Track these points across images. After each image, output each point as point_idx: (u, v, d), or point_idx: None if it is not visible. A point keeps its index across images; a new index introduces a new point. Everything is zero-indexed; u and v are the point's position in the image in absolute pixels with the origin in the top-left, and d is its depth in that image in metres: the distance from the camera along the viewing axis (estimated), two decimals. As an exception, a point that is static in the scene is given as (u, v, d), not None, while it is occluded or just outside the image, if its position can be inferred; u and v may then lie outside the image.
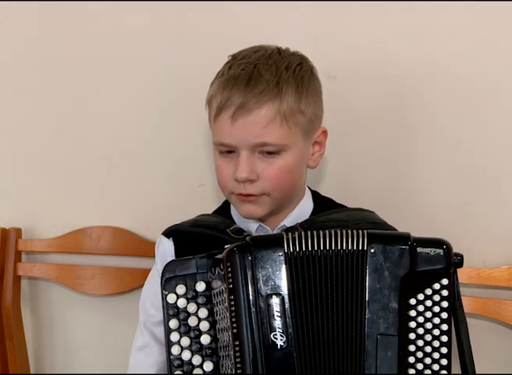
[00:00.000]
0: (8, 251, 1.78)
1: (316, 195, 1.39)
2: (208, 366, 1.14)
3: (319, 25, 1.59)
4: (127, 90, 1.74)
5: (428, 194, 1.59)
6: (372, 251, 1.10)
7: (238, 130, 1.20)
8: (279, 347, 1.08)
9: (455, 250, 1.13)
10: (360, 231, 1.12)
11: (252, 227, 1.31)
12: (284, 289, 1.09)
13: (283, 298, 1.08)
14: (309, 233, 1.12)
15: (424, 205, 1.60)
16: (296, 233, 1.12)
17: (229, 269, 1.09)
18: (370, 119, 1.59)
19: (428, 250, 1.11)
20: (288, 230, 1.25)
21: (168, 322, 1.16)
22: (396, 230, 1.29)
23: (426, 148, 1.58)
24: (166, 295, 1.17)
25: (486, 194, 1.56)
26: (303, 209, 1.33)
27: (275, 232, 1.30)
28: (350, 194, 1.55)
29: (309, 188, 1.39)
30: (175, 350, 1.15)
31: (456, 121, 1.55)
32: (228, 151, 1.24)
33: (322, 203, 1.37)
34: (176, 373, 1.16)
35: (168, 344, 1.16)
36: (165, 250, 1.33)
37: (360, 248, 1.11)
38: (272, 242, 1.11)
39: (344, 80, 1.59)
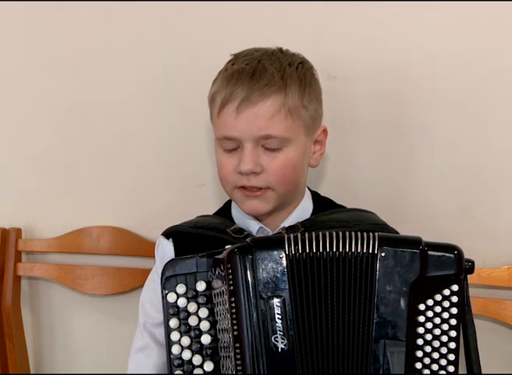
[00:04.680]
0: (8, 251, 1.78)
1: (316, 196, 1.39)
2: (209, 365, 1.13)
3: (319, 25, 1.59)
4: (127, 90, 1.73)
5: (428, 194, 1.59)
6: (383, 254, 1.09)
7: (243, 122, 1.20)
8: (280, 349, 1.07)
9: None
10: (371, 234, 1.11)
11: (253, 229, 1.31)
12: (285, 291, 1.08)
13: (284, 300, 1.07)
14: (313, 234, 1.11)
15: (424, 205, 1.60)
16: (299, 235, 1.11)
17: (230, 271, 1.09)
18: (370, 119, 1.59)
19: (439, 255, 1.10)
20: (289, 229, 1.26)
21: (168, 321, 1.15)
22: (397, 231, 1.29)
23: (426, 148, 1.58)
24: (166, 294, 1.16)
25: (486, 194, 1.56)
26: (303, 210, 1.33)
27: (275, 233, 1.30)
28: (351, 195, 1.55)
29: (309, 189, 1.39)
30: (175, 349, 1.14)
31: (456, 121, 1.55)
32: (231, 149, 1.24)
33: (322, 204, 1.37)
34: (177, 372, 1.15)
35: (169, 343, 1.15)
36: (165, 251, 1.33)
37: (371, 251, 1.10)
38: (273, 243, 1.10)
39: (344, 80, 1.59)
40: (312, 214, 1.33)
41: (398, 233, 1.29)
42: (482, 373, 1.15)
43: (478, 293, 1.53)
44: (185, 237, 1.32)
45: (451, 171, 1.57)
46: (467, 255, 1.13)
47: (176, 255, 1.30)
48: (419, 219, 1.58)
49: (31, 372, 1.85)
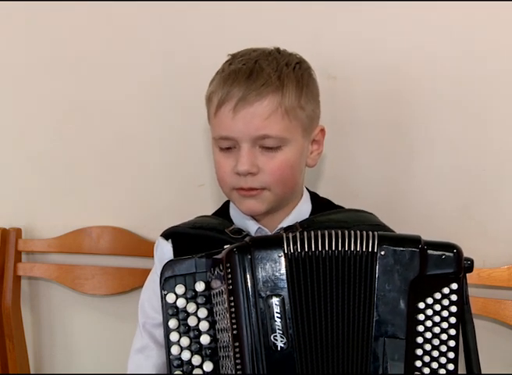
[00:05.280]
0: (8, 251, 1.78)
1: (314, 196, 1.39)
2: (208, 366, 1.13)
3: (319, 25, 1.59)
4: (127, 90, 1.74)
5: (428, 194, 1.59)
6: (382, 253, 1.09)
7: (239, 122, 1.20)
8: (279, 348, 1.07)
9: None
10: (370, 233, 1.11)
11: (251, 229, 1.31)
12: (284, 290, 1.07)
13: (283, 299, 1.07)
14: (312, 233, 1.11)
15: (424, 205, 1.60)
16: (298, 233, 1.11)
17: (229, 270, 1.08)
18: (369, 119, 1.59)
19: (438, 253, 1.10)
20: (287, 229, 1.25)
21: (167, 322, 1.15)
22: (396, 232, 1.28)
23: (426, 148, 1.58)
24: (165, 295, 1.16)
25: (486, 194, 1.56)
26: (301, 211, 1.33)
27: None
28: (350, 195, 1.55)
29: (307, 189, 1.39)
30: (174, 350, 1.14)
31: (455, 121, 1.55)
32: (228, 147, 1.24)
33: (320, 204, 1.37)
34: (176, 373, 1.14)
35: (168, 344, 1.15)
36: (164, 252, 1.33)
37: (370, 249, 1.10)
38: (272, 242, 1.10)
39: (344, 80, 1.59)
40: (311, 215, 1.33)
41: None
42: (482, 373, 1.15)
43: (478, 293, 1.53)
44: (184, 238, 1.32)
45: (451, 171, 1.57)
46: (467, 255, 1.13)
47: (174, 256, 1.30)
48: (419, 219, 1.58)
49: (31, 372, 1.85)
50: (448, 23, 1.53)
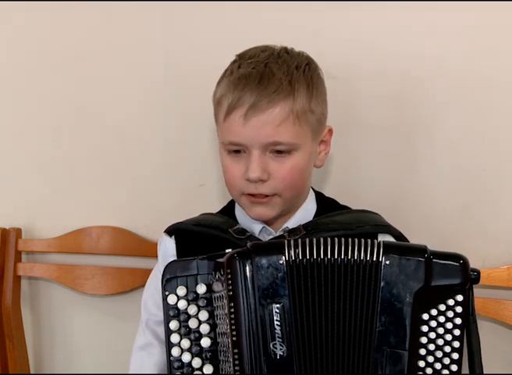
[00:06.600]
0: (8, 251, 1.78)
1: (320, 196, 1.38)
2: (208, 369, 1.13)
3: (319, 25, 1.59)
4: (127, 90, 1.73)
5: (429, 194, 1.60)
6: (387, 262, 1.08)
7: (250, 129, 1.19)
8: (278, 356, 1.06)
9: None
10: (376, 241, 1.10)
11: (256, 229, 1.31)
12: (285, 297, 1.06)
13: (284, 306, 1.06)
14: (314, 239, 1.10)
15: (424, 205, 1.60)
16: (299, 240, 1.10)
17: (229, 276, 1.08)
18: (369, 119, 1.59)
19: (444, 264, 1.08)
20: (291, 231, 1.25)
21: (168, 323, 1.15)
22: (401, 232, 1.28)
23: (427, 148, 1.58)
24: (167, 296, 1.16)
25: (486, 194, 1.56)
26: (306, 211, 1.33)
27: (278, 234, 1.29)
28: (351, 195, 1.55)
29: (313, 189, 1.38)
30: (175, 352, 1.14)
31: (456, 121, 1.55)
32: (236, 150, 1.23)
33: (326, 204, 1.36)
34: (176, 374, 1.14)
35: (169, 345, 1.15)
36: (167, 249, 1.34)
37: (375, 258, 1.08)
38: (273, 248, 1.09)
39: (344, 80, 1.58)
40: (316, 215, 1.33)
41: (402, 234, 1.29)
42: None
43: (478, 293, 1.51)
44: (187, 235, 1.32)
45: (451, 171, 1.57)
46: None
47: (177, 253, 1.31)
48: (419, 219, 1.59)
49: (31, 372, 1.85)
50: (449, 24, 1.53)
